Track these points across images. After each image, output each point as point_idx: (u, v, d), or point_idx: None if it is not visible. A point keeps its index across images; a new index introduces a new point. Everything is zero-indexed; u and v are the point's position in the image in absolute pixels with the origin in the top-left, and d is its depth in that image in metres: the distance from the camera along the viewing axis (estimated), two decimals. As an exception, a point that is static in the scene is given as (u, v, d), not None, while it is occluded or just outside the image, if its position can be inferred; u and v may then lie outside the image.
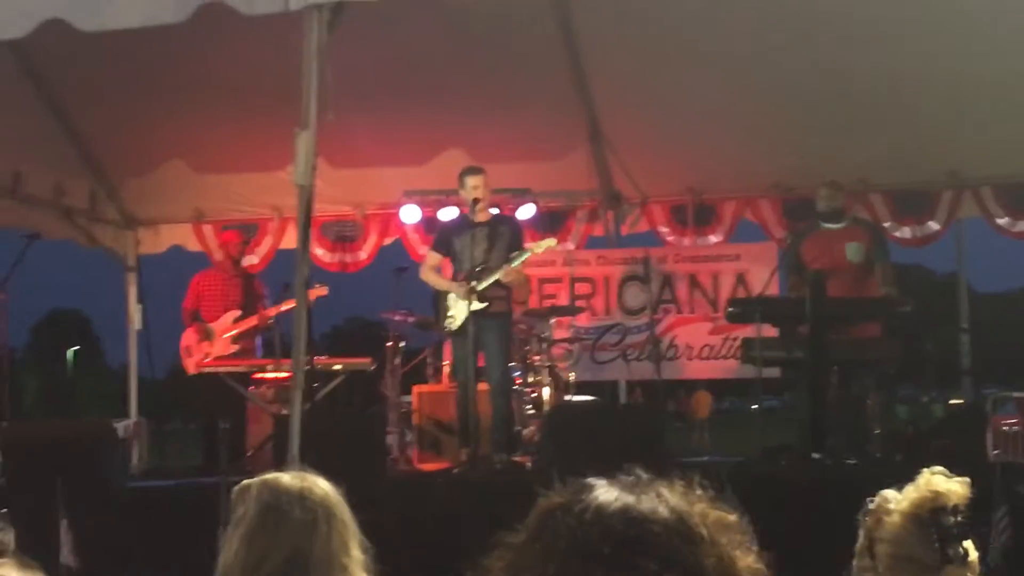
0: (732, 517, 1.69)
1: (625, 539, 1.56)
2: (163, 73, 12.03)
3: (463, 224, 11.07)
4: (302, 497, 3.35)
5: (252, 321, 12.19)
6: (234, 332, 12.19)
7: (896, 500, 2.46)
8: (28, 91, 12.35)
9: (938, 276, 59.04)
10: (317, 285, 11.79)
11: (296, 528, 3.29)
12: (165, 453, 14.89)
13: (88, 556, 8.53)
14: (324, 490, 3.40)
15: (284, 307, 11.90)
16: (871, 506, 2.52)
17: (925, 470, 2.46)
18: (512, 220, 11.69)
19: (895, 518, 2.43)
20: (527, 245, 11.13)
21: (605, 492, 1.64)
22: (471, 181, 10.83)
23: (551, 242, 11.70)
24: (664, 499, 1.64)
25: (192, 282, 12.63)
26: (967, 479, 2.45)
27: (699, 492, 1.68)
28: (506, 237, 10.89)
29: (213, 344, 12.16)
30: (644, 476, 1.68)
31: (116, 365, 72.10)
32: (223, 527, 3.51)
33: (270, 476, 3.42)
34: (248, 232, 14.20)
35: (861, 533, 2.53)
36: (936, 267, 60.93)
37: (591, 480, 1.67)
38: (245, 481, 3.43)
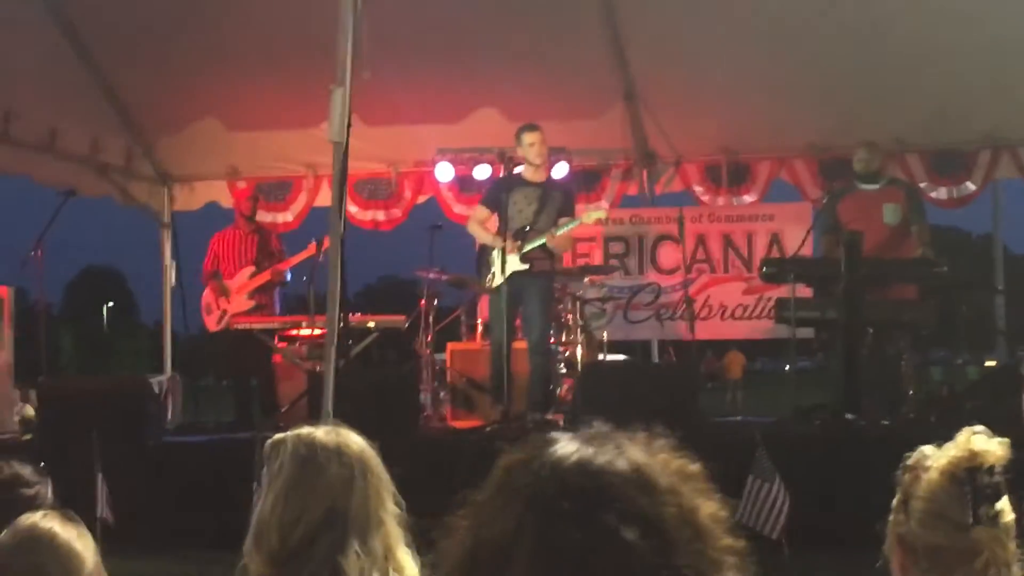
0: (694, 466, 1.67)
1: (582, 492, 1.55)
2: (198, 30, 12.06)
3: (515, 181, 11.02)
4: (339, 452, 3.35)
5: (265, 276, 12.18)
6: (250, 288, 12.18)
7: (935, 457, 2.46)
8: (64, 48, 12.38)
9: (973, 237, 58.70)
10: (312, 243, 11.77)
11: (334, 483, 3.30)
12: (199, 409, 14.97)
13: (123, 510, 8.60)
14: (360, 444, 3.41)
15: (295, 260, 11.95)
16: (909, 462, 2.52)
17: (966, 428, 2.45)
18: (566, 187, 11.65)
19: (932, 475, 2.43)
20: (580, 211, 11.14)
21: (563, 446, 1.62)
22: (528, 138, 10.80)
23: (601, 213, 11.71)
24: (623, 451, 1.61)
25: (211, 242, 12.64)
26: (1007, 440, 2.44)
27: (661, 442, 1.67)
28: (557, 201, 10.88)
29: (230, 301, 12.18)
30: (604, 428, 1.67)
31: (151, 322, 72.65)
32: (257, 482, 3.51)
33: (304, 431, 3.42)
34: (281, 189, 14.25)
35: (898, 489, 2.53)
36: (971, 228, 60.55)
37: (553, 434, 1.66)
38: (278, 435, 3.43)
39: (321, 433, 3.40)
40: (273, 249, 12.57)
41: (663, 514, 1.56)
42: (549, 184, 11.09)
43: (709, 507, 1.62)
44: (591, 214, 11.31)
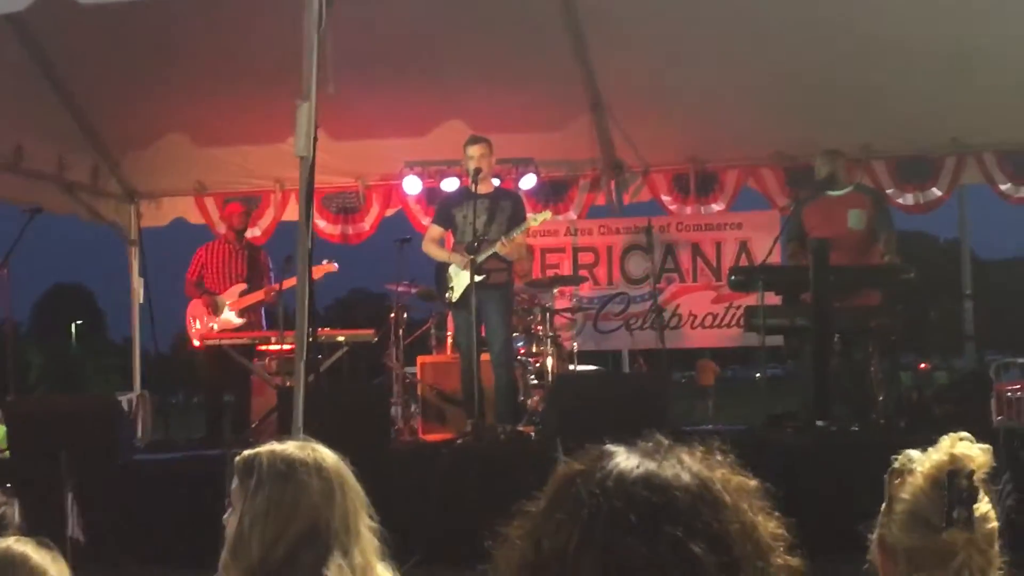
0: (753, 482, 1.68)
1: (650, 506, 1.55)
2: (164, 46, 12.03)
3: (464, 195, 11.03)
4: (318, 467, 3.34)
5: (259, 295, 12.16)
6: (241, 305, 12.17)
7: (919, 461, 2.47)
8: (29, 65, 12.33)
9: (941, 243, 59.04)
10: (326, 261, 11.78)
11: (315, 499, 3.29)
12: (169, 426, 14.91)
13: (94, 529, 8.56)
14: (334, 459, 3.40)
15: (292, 282, 11.90)
16: (895, 465, 2.53)
17: (951, 434, 2.47)
18: (514, 194, 11.61)
19: (915, 478, 2.44)
20: (528, 216, 11.13)
21: (625, 459, 1.63)
22: (472, 151, 10.78)
23: (546, 215, 11.70)
24: (686, 465, 1.63)
25: (197, 252, 12.58)
26: (989, 447, 2.45)
27: (719, 457, 1.68)
28: (507, 211, 10.86)
29: (219, 316, 12.15)
30: (664, 442, 1.68)
31: (119, 339, 72.35)
32: (228, 499, 3.49)
33: (277, 446, 3.40)
34: (250, 204, 14.21)
35: (885, 492, 2.55)
36: (939, 233, 60.89)
37: (609, 447, 1.66)
38: (248, 451, 3.41)
39: (295, 448, 3.39)
40: (262, 266, 12.55)
41: (728, 530, 1.57)
42: (497, 194, 11.07)
43: (768, 524, 1.64)
44: (537, 216, 11.30)
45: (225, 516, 3.40)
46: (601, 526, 1.55)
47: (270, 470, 3.33)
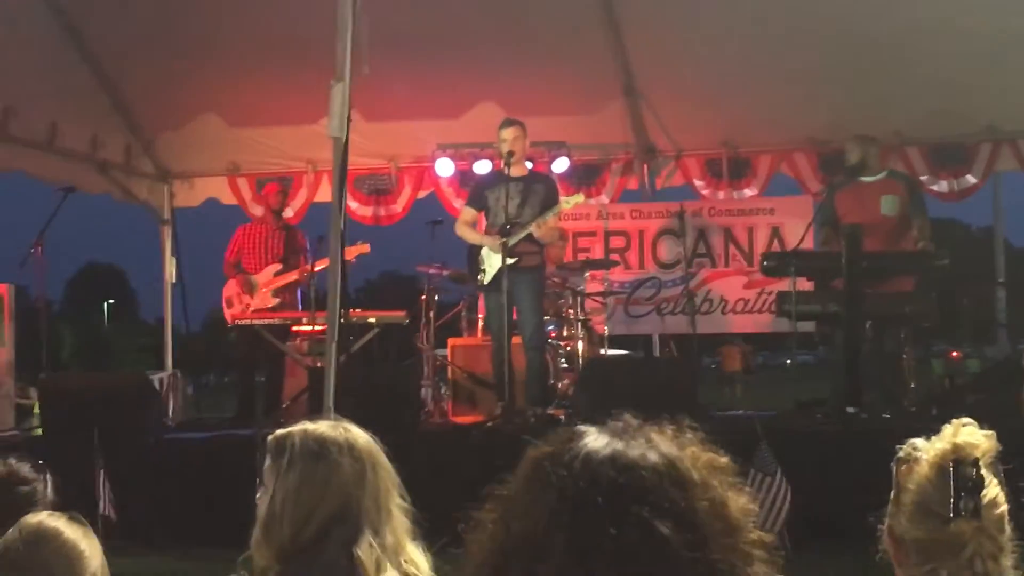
0: (724, 459, 1.67)
1: (616, 487, 1.55)
2: (198, 26, 12.06)
3: (497, 178, 11.02)
4: (350, 447, 3.35)
5: (292, 275, 12.19)
6: (275, 285, 12.19)
7: (924, 449, 2.45)
8: (64, 45, 12.37)
9: (974, 230, 58.68)
10: (359, 242, 11.78)
11: (347, 478, 3.30)
12: (200, 406, 14.97)
13: (125, 507, 8.61)
14: (366, 438, 3.41)
15: (326, 263, 11.90)
16: (900, 454, 2.51)
17: (954, 421, 2.45)
18: (547, 177, 11.61)
19: (921, 467, 2.43)
20: (560, 200, 11.14)
21: (594, 439, 1.63)
22: (505, 133, 10.78)
23: (579, 198, 11.71)
24: (654, 444, 1.62)
25: (235, 234, 12.63)
26: (993, 432, 2.43)
27: (689, 435, 1.67)
28: (540, 194, 10.85)
29: (254, 296, 12.19)
30: (633, 421, 1.67)
31: (151, 319, 72.64)
32: (259, 477, 3.51)
33: (310, 426, 3.42)
34: (284, 184, 14.26)
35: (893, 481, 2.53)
36: (972, 221, 60.54)
37: (580, 427, 1.66)
38: (281, 431, 3.43)
39: (328, 428, 3.40)
40: (299, 246, 12.56)
41: (696, 508, 1.57)
42: (530, 177, 11.06)
43: (739, 501, 1.63)
44: (570, 199, 11.31)
45: (257, 495, 3.42)
46: (569, 508, 1.55)
47: (302, 449, 3.34)
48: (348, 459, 3.32)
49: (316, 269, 11.86)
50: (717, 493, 1.60)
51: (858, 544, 2.79)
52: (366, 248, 11.84)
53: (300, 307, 12.50)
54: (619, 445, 1.61)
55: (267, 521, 3.31)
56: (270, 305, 12.14)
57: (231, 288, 12.40)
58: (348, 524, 3.28)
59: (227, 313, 12.43)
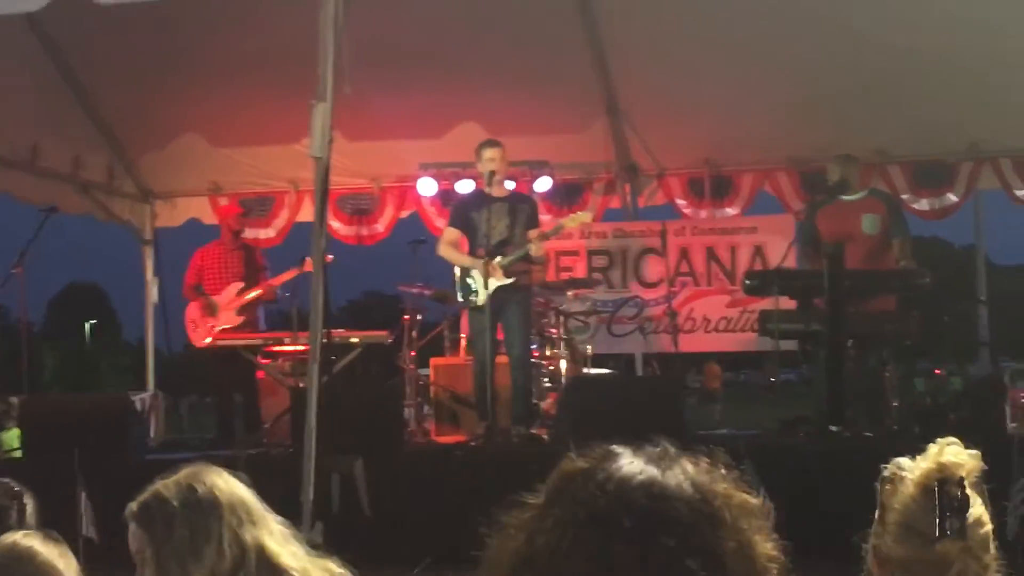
0: (755, 501, 1.66)
1: (647, 514, 1.53)
2: (180, 47, 12.06)
3: (480, 198, 11.02)
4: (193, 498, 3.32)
5: (257, 291, 12.13)
6: (239, 304, 12.14)
7: (909, 469, 2.45)
8: (46, 65, 12.38)
9: (956, 248, 58.83)
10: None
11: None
12: (182, 426, 14.94)
13: (107, 528, 8.56)
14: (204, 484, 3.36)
15: (287, 276, 11.89)
16: (885, 473, 2.51)
17: (939, 440, 2.44)
18: (530, 198, 11.60)
19: (906, 487, 2.42)
20: (562, 218, 11.18)
21: (629, 463, 1.61)
22: (487, 153, 10.78)
23: (585, 216, 11.77)
24: (689, 476, 1.60)
25: (194, 256, 12.58)
26: (978, 452, 2.43)
27: (722, 471, 1.66)
28: (526, 213, 10.88)
29: (218, 317, 12.13)
30: (671, 449, 1.66)
31: (133, 339, 72.46)
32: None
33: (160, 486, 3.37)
34: (263, 205, 14.26)
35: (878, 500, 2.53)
36: (954, 239, 60.69)
37: (615, 448, 1.64)
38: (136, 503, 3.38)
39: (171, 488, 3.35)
40: (259, 265, 12.54)
41: (724, 548, 1.55)
42: (514, 198, 11.09)
43: (765, 546, 1.62)
44: (575, 217, 11.37)
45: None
46: (596, 528, 1.54)
47: (181, 508, 3.29)
48: (217, 497, 3.27)
49: (282, 281, 11.88)
50: (745, 536, 1.59)
51: (841, 564, 2.78)
52: (328, 258, 11.78)
53: (263, 325, 12.49)
54: (654, 472, 1.60)
55: None
56: (235, 324, 12.07)
57: (193, 311, 12.35)
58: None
59: (192, 336, 12.37)
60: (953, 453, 2.41)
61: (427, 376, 12.46)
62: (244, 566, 3.19)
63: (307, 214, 13.82)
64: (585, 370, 12.62)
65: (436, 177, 13.64)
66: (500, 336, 10.91)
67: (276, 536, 3.28)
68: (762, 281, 10.68)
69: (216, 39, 11.98)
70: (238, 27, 11.83)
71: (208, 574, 3.18)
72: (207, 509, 3.24)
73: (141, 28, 11.76)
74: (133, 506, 3.32)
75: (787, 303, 10.53)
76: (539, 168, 13.31)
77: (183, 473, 3.32)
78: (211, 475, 3.35)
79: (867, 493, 2.58)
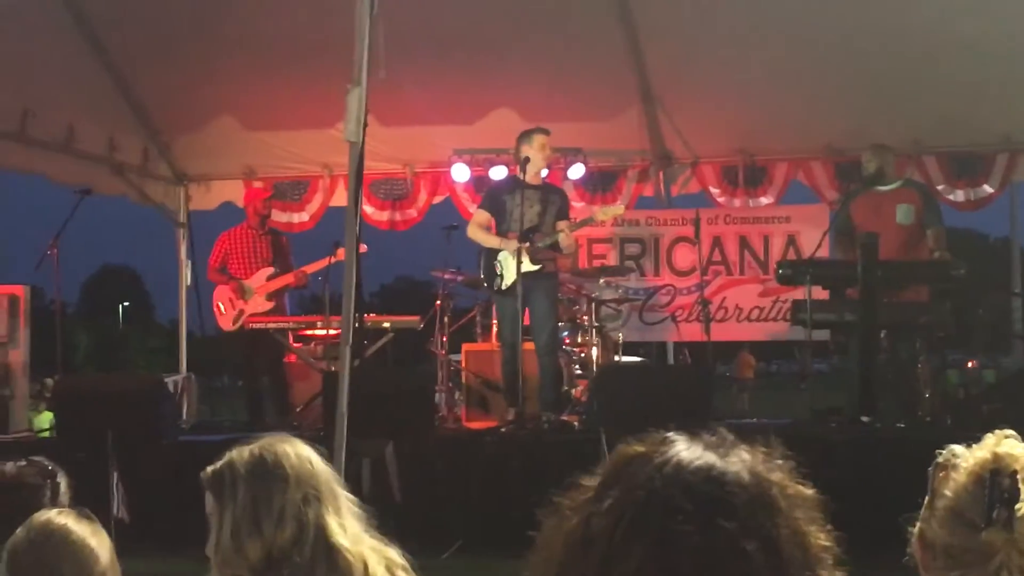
0: (809, 492, 1.66)
1: (706, 497, 1.54)
2: (215, 29, 12.08)
3: (513, 183, 11.03)
4: (284, 456, 3.34)
5: (288, 279, 12.13)
6: (269, 289, 12.14)
7: (964, 456, 2.45)
8: (82, 47, 12.40)
9: (990, 240, 58.54)
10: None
11: (294, 482, 3.29)
12: (214, 408, 14.98)
13: (139, 509, 8.61)
14: (296, 447, 3.39)
15: (320, 265, 11.88)
16: (939, 460, 2.51)
17: (997, 431, 2.44)
18: (561, 191, 11.64)
19: (958, 474, 2.42)
20: (595, 209, 11.21)
21: (686, 448, 1.62)
22: (540, 140, 10.82)
23: (618, 209, 11.75)
24: (746, 463, 1.61)
25: (219, 239, 12.52)
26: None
27: (779, 461, 1.66)
28: (556, 204, 10.92)
29: (248, 301, 12.13)
30: (728, 437, 1.66)
31: (166, 321, 72.76)
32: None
33: (235, 453, 3.40)
34: (297, 189, 14.28)
35: (929, 485, 2.52)
36: (989, 231, 60.39)
37: (671, 434, 1.65)
38: (213, 467, 3.40)
39: (255, 447, 3.37)
40: (285, 251, 12.54)
41: (780, 534, 1.56)
42: (547, 188, 11.13)
43: (818, 536, 1.62)
44: (608, 210, 11.40)
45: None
46: (656, 510, 1.54)
47: (246, 471, 3.31)
48: (285, 469, 3.29)
49: (317, 268, 11.88)
50: (799, 524, 1.60)
51: (874, 553, 2.77)
52: (362, 248, 11.80)
53: (288, 310, 12.53)
54: (712, 458, 1.61)
55: (232, 544, 3.26)
56: (264, 309, 12.07)
57: (222, 293, 12.33)
58: (310, 522, 3.25)
59: (220, 319, 12.37)
60: (1010, 445, 2.40)
61: (458, 362, 12.48)
62: (301, 542, 3.21)
63: (340, 199, 13.82)
64: (616, 358, 12.61)
65: (470, 163, 13.65)
66: (527, 322, 10.92)
67: (343, 516, 3.31)
68: (795, 270, 10.65)
69: (251, 22, 11.99)
70: (273, 10, 11.85)
71: (266, 546, 3.20)
72: (272, 480, 3.27)
73: (177, 10, 11.80)
74: (208, 470, 3.32)
75: (820, 293, 10.51)
76: (573, 155, 13.30)
77: (260, 442, 3.34)
78: (284, 446, 3.37)
79: (899, 483, 2.58)
